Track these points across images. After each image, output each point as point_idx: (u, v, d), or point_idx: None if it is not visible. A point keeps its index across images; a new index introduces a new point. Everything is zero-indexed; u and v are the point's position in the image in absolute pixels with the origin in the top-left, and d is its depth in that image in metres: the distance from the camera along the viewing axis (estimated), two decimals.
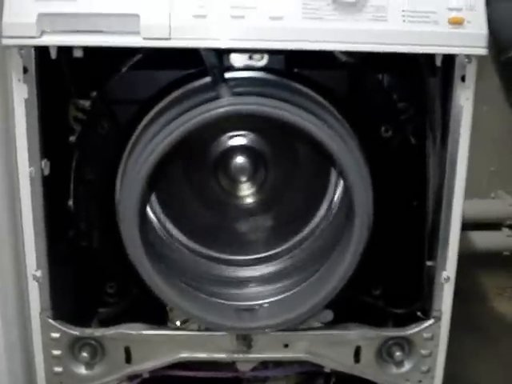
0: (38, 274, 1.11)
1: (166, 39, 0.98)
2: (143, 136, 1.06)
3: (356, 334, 1.18)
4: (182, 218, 1.25)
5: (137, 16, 0.97)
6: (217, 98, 1.02)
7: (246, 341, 1.17)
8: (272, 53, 1.08)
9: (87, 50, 1.04)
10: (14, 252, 1.22)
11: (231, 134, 1.21)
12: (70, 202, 1.16)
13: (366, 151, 1.11)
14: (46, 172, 1.08)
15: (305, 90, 1.10)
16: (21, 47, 1.00)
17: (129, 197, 1.05)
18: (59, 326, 1.15)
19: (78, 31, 0.98)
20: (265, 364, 1.26)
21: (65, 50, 1.02)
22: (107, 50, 1.00)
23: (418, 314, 1.19)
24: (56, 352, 1.17)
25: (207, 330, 1.18)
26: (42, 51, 1.01)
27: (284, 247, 1.27)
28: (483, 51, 1.01)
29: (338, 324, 1.20)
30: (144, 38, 0.98)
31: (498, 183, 2.17)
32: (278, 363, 1.26)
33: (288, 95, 1.05)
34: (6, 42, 0.98)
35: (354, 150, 1.05)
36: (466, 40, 1.00)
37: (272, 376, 1.30)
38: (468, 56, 1.02)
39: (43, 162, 1.07)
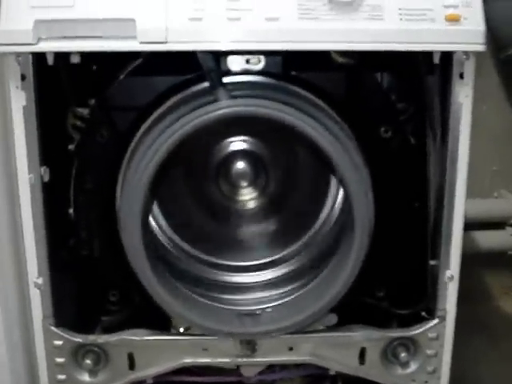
0: (40, 281, 1.11)
1: (163, 43, 0.98)
2: (143, 142, 1.06)
3: (360, 335, 1.17)
4: (183, 224, 1.25)
5: (133, 20, 0.97)
6: (215, 101, 1.02)
7: (250, 345, 1.17)
8: (269, 55, 1.07)
9: (84, 56, 1.04)
10: (15, 257, 1.22)
11: (231, 139, 1.21)
12: (71, 211, 1.16)
13: (366, 152, 1.10)
14: (46, 179, 1.08)
15: (303, 92, 1.10)
16: (18, 54, 1.00)
17: (130, 204, 1.04)
18: (62, 334, 1.15)
19: (74, 37, 0.98)
20: (271, 368, 1.25)
21: (62, 57, 1.02)
22: (105, 57, 1.00)
23: (423, 314, 1.18)
24: (59, 359, 1.16)
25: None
26: (39, 58, 1.01)
27: (286, 252, 1.26)
28: (481, 47, 1.01)
29: (343, 326, 1.20)
30: (141, 42, 0.98)
31: (500, 182, 2.16)
32: (283, 366, 1.25)
33: (286, 98, 1.05)
34: (2, 49, 0.98)
35: (354, 156, 1.05)
36: (463, 37, 1.00)
37: (277, 379, 1.29)
38: (466, 53, 1.02)
39: (42, 169, 1.07)
